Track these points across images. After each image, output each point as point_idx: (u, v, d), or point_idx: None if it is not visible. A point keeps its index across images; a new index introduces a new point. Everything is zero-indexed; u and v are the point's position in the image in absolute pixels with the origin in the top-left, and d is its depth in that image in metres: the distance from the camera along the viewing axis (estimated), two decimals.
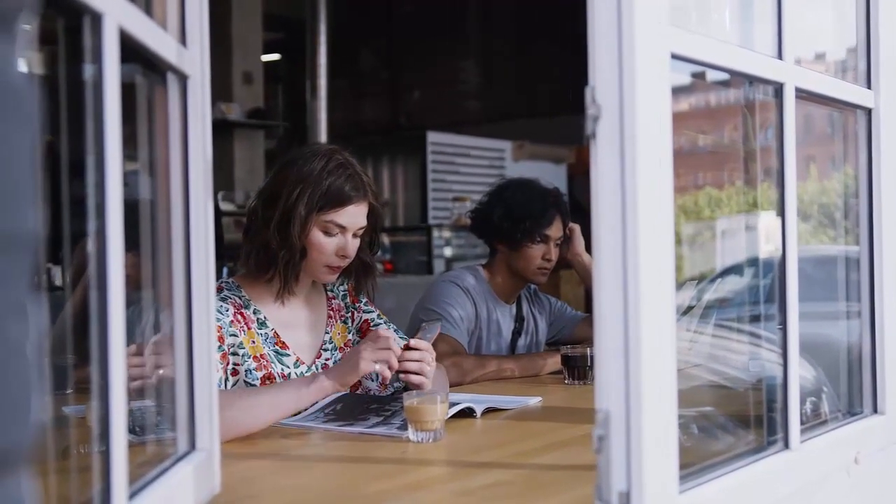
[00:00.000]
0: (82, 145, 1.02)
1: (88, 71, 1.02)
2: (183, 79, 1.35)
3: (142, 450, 1.36)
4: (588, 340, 3.06)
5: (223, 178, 7.59)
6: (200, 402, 1.37)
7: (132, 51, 1.12)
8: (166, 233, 1.35)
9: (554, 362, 2.88)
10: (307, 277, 2.32)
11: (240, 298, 2.26)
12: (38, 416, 0.59)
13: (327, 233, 2.24)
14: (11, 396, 0.55)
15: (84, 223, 1.02)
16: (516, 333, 3.18)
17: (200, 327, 1.38)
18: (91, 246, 1.01)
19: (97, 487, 1.01)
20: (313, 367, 2.31)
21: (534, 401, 2.39)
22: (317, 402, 2.11)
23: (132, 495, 1.08)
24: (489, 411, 2.22)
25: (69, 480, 1.24)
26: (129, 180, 1.08)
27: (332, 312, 2.42)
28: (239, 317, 2.22)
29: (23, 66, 0.60)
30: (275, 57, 10.03)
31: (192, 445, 1.37)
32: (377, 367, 2.06)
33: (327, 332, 2.39)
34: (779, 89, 1.56)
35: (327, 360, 2.35)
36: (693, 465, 1.35)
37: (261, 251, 2.24)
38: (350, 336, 2.43)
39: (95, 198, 1.00)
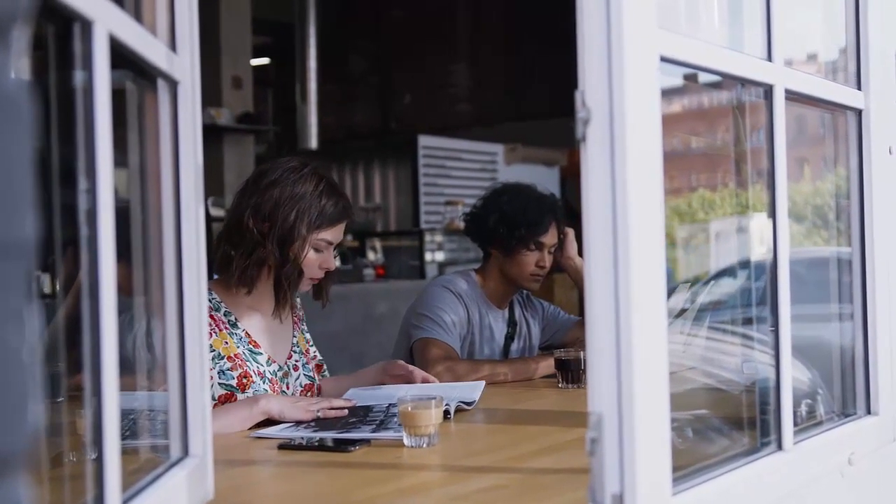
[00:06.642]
0: (72, 151, 1.01)
1: (78, 77, 1.02)
2: (173, 85, 1.35)
3: (133, 456, 1.36)
4: (581, 344, 3.06)
5: (213, 183, 7.56)
6: (193, 409, 1.37)
7: (122, 57, 1.12)
8: (157, 240, 1.35)
9: (547, 366, 2.88)
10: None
11: (210, 301, 2.31)
12: (35, 422, 0.59)
13: (317, 250, 2.36)
14: (10, 403, 0.55)
15: (75, 230, 1.02)
16: (509, 338, 3.17)
17: (192, 334, 1.37)
18: (83, 253, 1.01)
19: (90, 494, 1.01)
20: (285, 367, 2.43)
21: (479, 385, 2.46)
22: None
23: (126, 501, 1.08)
24: (460, 411, 2.25)
25: (60, 487, 1.24)
26: (118, 187, 1.08)
27: (296, 320, 2.55)
28: (209, 320, 2.27)
29: (18, 74, 0.60)
30: (264, 61, 10.02)
31: (186, 451, 1.36)
32: (308, 415, 2.15)
33: (294, 336, 2.52)
34: (768, 91, 1.57)
35: (297, 361, 2.48)
36: (687, 466, 1.35)
37: (254, 267, 2.32)
38: (308, 344, 2.57)
39: (87, 204, 1.00)
